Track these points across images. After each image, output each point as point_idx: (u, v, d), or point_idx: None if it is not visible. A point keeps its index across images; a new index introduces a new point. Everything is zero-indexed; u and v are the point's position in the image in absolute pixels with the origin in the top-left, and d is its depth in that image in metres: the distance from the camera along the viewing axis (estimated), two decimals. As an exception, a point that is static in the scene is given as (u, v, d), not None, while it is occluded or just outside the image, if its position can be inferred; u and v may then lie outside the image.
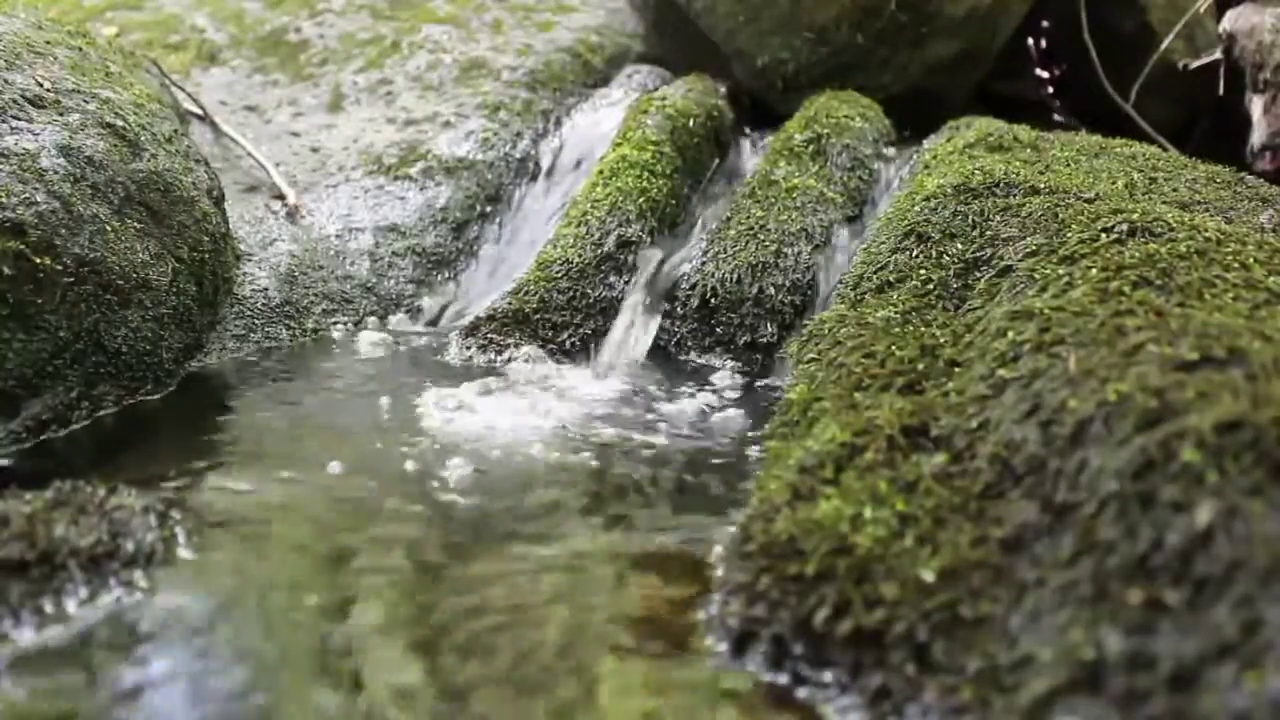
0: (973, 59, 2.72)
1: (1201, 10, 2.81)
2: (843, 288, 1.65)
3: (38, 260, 1.38)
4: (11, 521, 0.97)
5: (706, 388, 1.73)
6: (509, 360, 1.85)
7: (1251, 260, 1.16)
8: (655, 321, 1.94)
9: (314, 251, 2.11)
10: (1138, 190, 1.69)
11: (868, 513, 0.94)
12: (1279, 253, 1.19)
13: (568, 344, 1.92)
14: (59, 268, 1.41)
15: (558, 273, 1.99)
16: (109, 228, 1.53)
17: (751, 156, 2.49)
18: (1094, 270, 1.17)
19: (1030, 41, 2.99)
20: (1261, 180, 1.88)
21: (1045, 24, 2.98)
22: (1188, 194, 1.70)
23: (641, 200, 2.13)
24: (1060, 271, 1.21)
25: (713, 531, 1.14)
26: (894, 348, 1.26)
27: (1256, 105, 2.36)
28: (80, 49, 1.85)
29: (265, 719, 0.81)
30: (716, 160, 2.47)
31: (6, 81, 1.58)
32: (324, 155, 2.44)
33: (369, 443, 1.40)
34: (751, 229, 2.00)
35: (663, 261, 2.05)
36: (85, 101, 1.66)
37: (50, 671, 0.85)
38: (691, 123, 2.36)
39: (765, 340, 1.88)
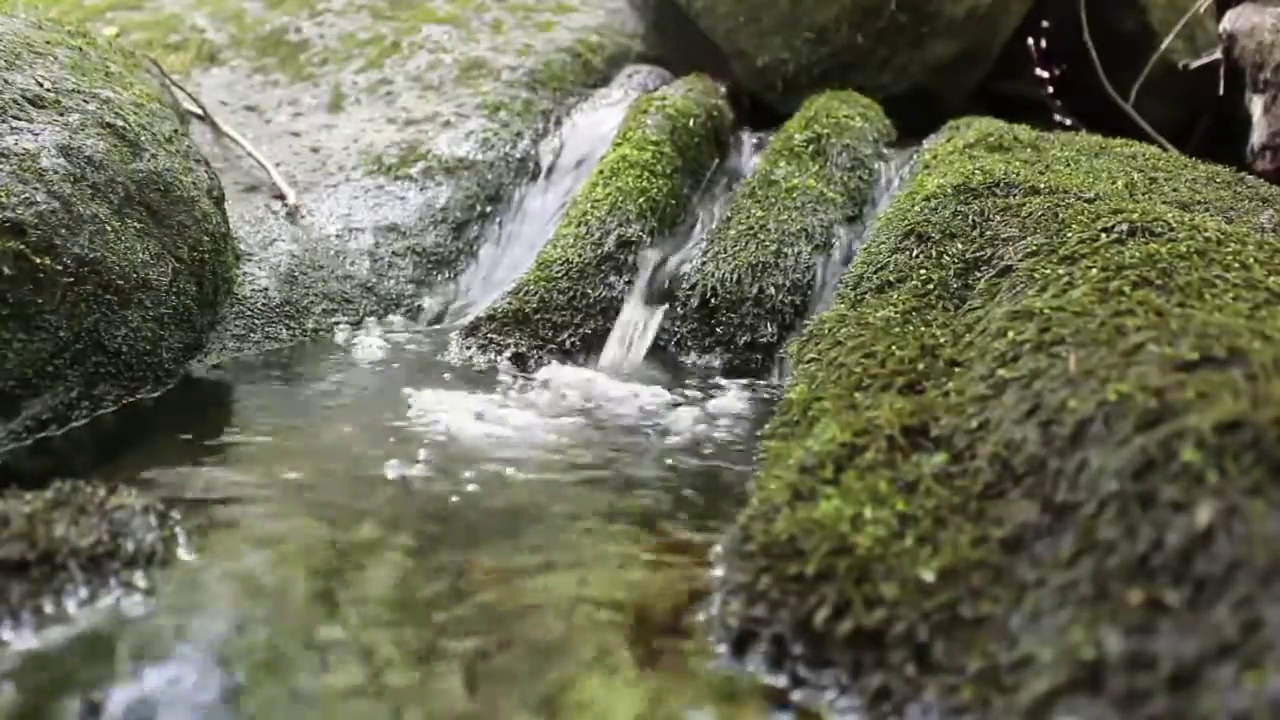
0: (973, 59, 2.72)
1: (1201, 10, 2.81)
2: (843, 287, 1.65)
3: (38, 260, 1.38)
4: (11, 521, 0.97)
5: (706, 387, 1.73)
6: (509, 360, 1.85)
7: (1251, 260, 1.16)
8: (655, 321, 1.94)
9: (314, 251, 2.11)
10: (1138, 190, 1.69)
11: (868, 513, 0.94)
12: (1279, 253, 1.19)
13: (568, 344, 1.92)
14: (59, 268, 1.41)
15: (558, 272, 1.99)
16: (109, 228, 1.53)
17: (751, 156, 2.49)
18: (1094, 270, 1.17)
19: (1030, 41, 2.99)
20: (1261, 180, 1.88)
21: (1045, 24, 2.98)
22: (1188, 194, 1.70)
23: (641, 200, 2.13)
24: (1060, 271, 1.21)
25: (713, 531, 1.14)
26: (894, 348, 1.26)
27: (1256, 105, 2.36)
28: (80, 49, 1.85)
29: (265, 716, 0.81)
30: (716, 160, 2.47)
31: (7, 81, 1.58)
32: (324, 155, 2.44)
33: (369, 442, 1.40)
34: (751, 229, 2.00)
35: (663, 261, 2.05)
36: (85, 101, 1.66)
37: (50, 672, 0.84)
38: (691, 123, 2.37)
39: (765, 340, 1.88)
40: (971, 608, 0.83)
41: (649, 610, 0.99)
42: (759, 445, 1.30)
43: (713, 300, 1.91)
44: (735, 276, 1.92)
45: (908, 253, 1.56)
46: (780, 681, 0.86)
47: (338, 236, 2.18)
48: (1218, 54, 2.58)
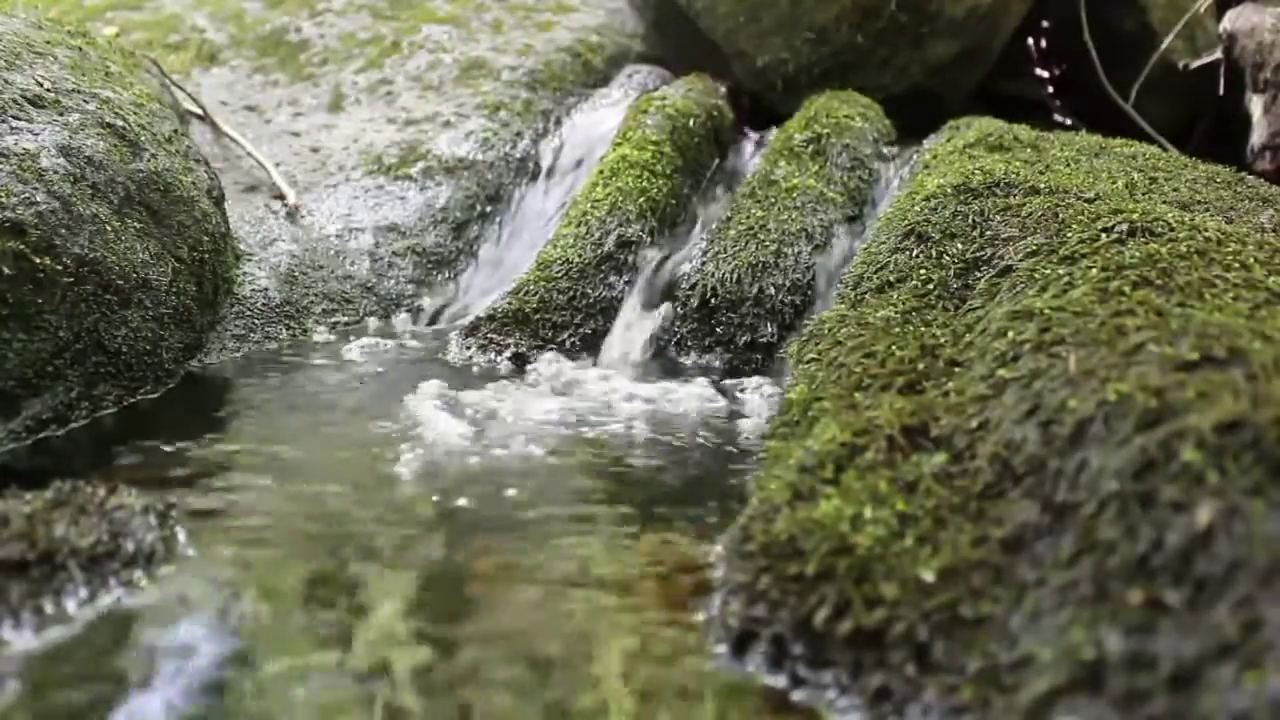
0: (973, 59, 2.72)
1: (1202, 10, 2.81)
2: (843, 287, 1.65)
3: (38, 260, 1.38)
4: (11, 521, 0.97)
5: (706, 387, 1.73)
6: (509, 360, 1.85)
7: (1252, 260, 1.16)
8: (655, 321, 1.94)
9: (314, 251, 2.11)
10: (1138, 190, 1.69)
11: (868, 512, 0.94)
12: (1279, 252, 1.19)
13: (568, 344, 1.92)
14: (59, 268, 1.41)
15: (558, 272, 1.99)
16: (109, 228, 1.53)
17: (751, 156, 2.49)
18: (1094, 270, 1.17)
19: (1030, 41, 2.99)
20: (1262, 180, 1.88)
21: (1045, 24, 2.98)
22: (1188, 194, 1.70)
23: (641, 200, 2.13)
24: (1060, 271, 1.21)
25: (713, 531, 1.14)
26: (894, 348, 1.26)
27: (1256, 105, 2.36)
28: (80, 49, 1.85)
29: (266, 719, 0.81)
30: (716, 160, 2.47)
31: (6, 81, 1.58)
32: (324, 155, 2.44)
33: (369, 441, 1.40)
34: (751, 229, 2.00)
35: (663, 261, 2.05)
36: (85, 101, 1.66)
37: (50, 672, 0.84)
38: (691, 123, 2.37)
39: (765, 340, 1.88)
40: (972, 607, 0.83)
41: (649, 610, 0.99)
42: (759, 445, 1.30)
43: (713, 300, 1.91)
44: (735, 276, 1.92)
45: (908, 253, 1.56)
46: (780, 682, 0.86)
47: (338, 236, 2.18)
48: (1218, 54, 2.58)
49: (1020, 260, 1.33)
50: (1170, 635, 0.70)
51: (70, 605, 0.92)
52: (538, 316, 1.93)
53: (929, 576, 0.86)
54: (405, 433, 1.43)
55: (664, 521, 1.22)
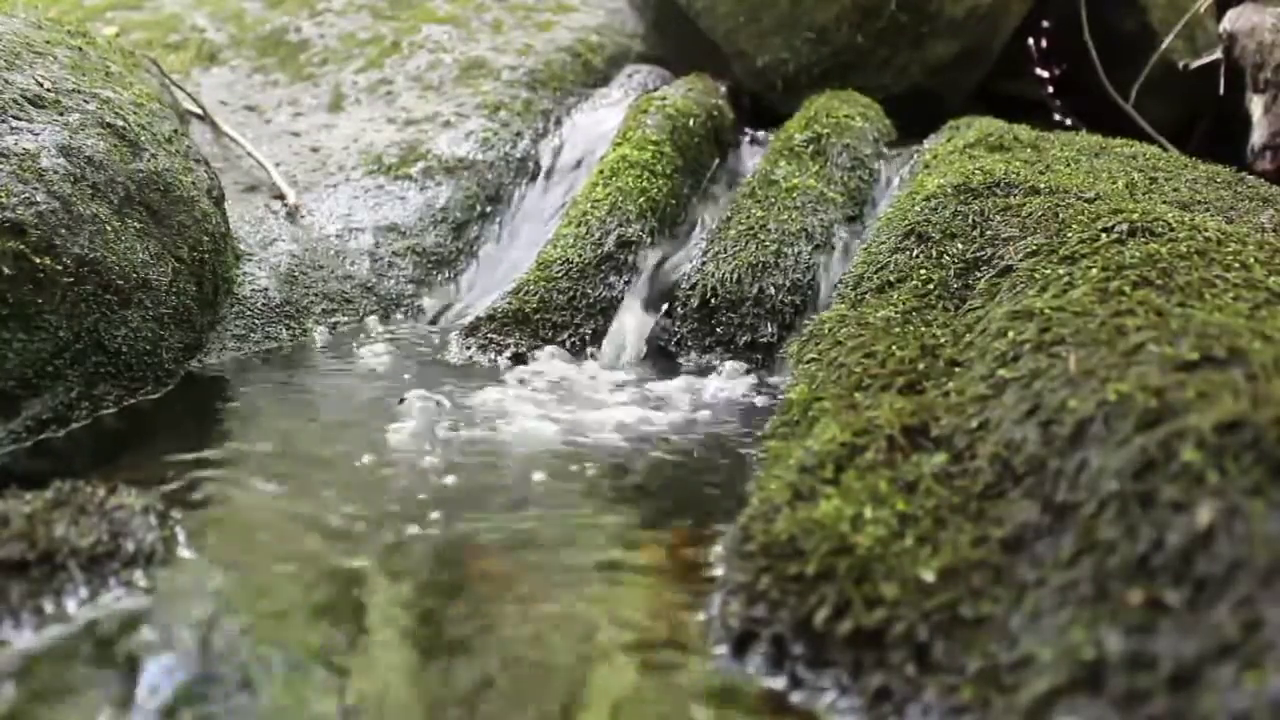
0: (973, 59, 2.72)
1: (1202, 10, 2.81)
2: (843, 287, 1.65)
3: (38, 260, 1.37)
4: (11, 521, 0.97)
5: (706, 388, 1.73)
6: (509, 360, 1.85)
7: (1252, 260, 1.16)
8: (655, 321, 1.94)
9: (314, 251, 2.11)
10: (1138, 190, 1.69)
11: (868, 513, 0.94)
12: (1279, 252, 1.19)
13: (568, 344, 1.92)
14: (59, 268, 1.41)
15: (558, 272, 1.99)
16: (109, 228, 1.53)
17: (751, 156, 2.49)
18: (1094, 270, 1.17)
19: (1030, 41, 2.99)
20: (1262, 180, 1.88)
21: (1045, 24, 2.98)
22: (1188, 194, 1.70)
23: (642, 200, 2.13)
24: (1060, 271, 1.21)
25: (713, 531, 1.14)
26: (894, 348, 1.26)
27: (1257, 105, 2.36)
28: (80, 49, 1.85)
29: (265, 719, 0.81)
30: (716, 160, 2.47)
31: (6, 81, 1.58)
32: (324, 155, 2.44)
33: (369, 442, 1.40)
34: (751, 229, 2.00)
35: (663, 261, 2.05)
36: (85, 101, 1.66)
37: (50, 672, 0.84)
38: (691, 122, 2.37)
39: (765, 340, 1.88)
40: (972, 608, 0.83)
41: (648, 610, 0.99)
42: (759, 445, 1.30)
43: (713, 300, 1.91)
44: (735, 276, 1.92)
45: (908, 253, 1.56)
46: (780, 682, 0.86)
47: (338, 236, 2.18)
48: (1218, 54, 2.58)
49: (1020, 260, 1.33)
50: (1170, 635, 0.70)
51: (70, 605, 0.92)
52: (538, 316, 1.93)
53: (929, 576, 0.86)
54: (405, 433, 1.43)
55: (663, 521, 1.22)
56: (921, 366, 1.20)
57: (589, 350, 1.92)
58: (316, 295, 2.02)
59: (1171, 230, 1.25)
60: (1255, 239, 1.24)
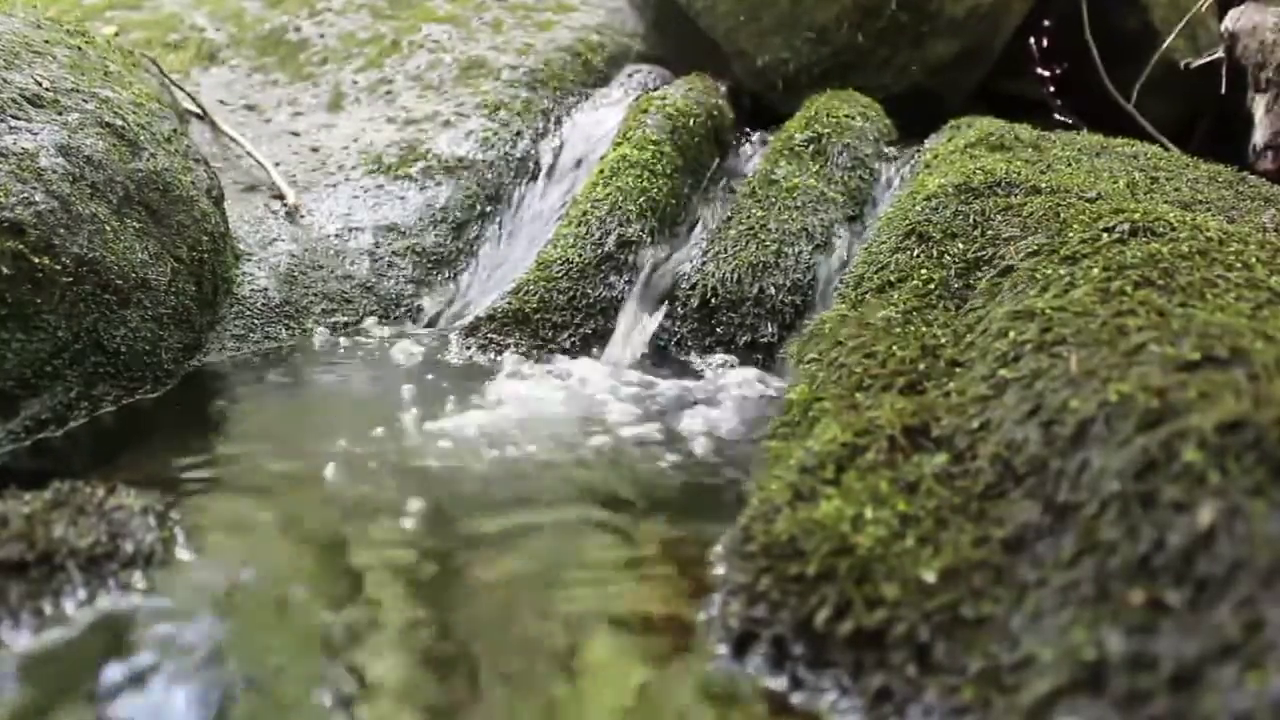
0: (974, 58, 2.71)
1: (1203, 9, 2.81)
2: (843, 287, 1.64)
3: (37, 260, 1.37)
4: (11, 522, 0.97)
5: (706, 387, 1.73)
6: (509, 360, 1.85)
7: (1253, 260, 1.15)
8: (655, 321, 1.94)
9: (313, 251, 2.10)
10: (1139, 190, 1.69)
11: (869, 513, 0.94)
12: (1281, 252, 1.19)
13: (568, 344, 1.91)
14: (58, 267, 1.40)
15: (558, 272, 1.99)
16: (108, 227, 1.52)
17: (752, 156, 2.48)
18: (1095, 270, 1.16)
19: (1031, 41, 2.99)
20: (1263, 180, 1.88)
21: (1046, 23, 2.97)
22: (1189, 193, 1.70)
23: (642, 200, 2.13)
24: (1062, 271, 1.21)
25: (713, 531, 1.14)
26: (895, 348, 1.26)
27: (1258, 104, 2.35)
28: (79, 48, 1.85)
29: (265, 719, 0.81)
30: (717, 160, 2.46)
31: (5, 81, 1.57)
32: (324, 155, 2.44)
33: (368, 441, 1.40)
34: (752, 228, 1.99)
35: (663, 261, 2.05)
36: (84, 101, 1.66)
37: (49, 673, 0.84)
38: (692, 122, 2.36)
39: (766, 340, 1.88)
40: (973, 608, 0.83)
41: (649, 610, 0.99)
42: (759, 445, 1.30)
43: (713, 300, 1.91)
44: (735, 276, 1.92)
45: (909, 252, 1.56)
46: (781, 683, 0.86)
47: (337, 236, 2.18)
48: (1219, 53, 2.58)
49: (1021, 260, 1.33)
50: (1172, 636, 0.69)
51: (69, 606, 0.92)
52: (538, 316, 1.93)
53: (930, 577, 0.86)
54: (404, 432, 1.43)
55: (664, 521, 1.22)
56: (922, 367, 1.20)
57: (589, 350, 1.92)
58: (316, 295, 2.02)
59: (1173, 230, 1.24)
60: (1257, 239, 1.23)
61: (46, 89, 1.63)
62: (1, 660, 0.85)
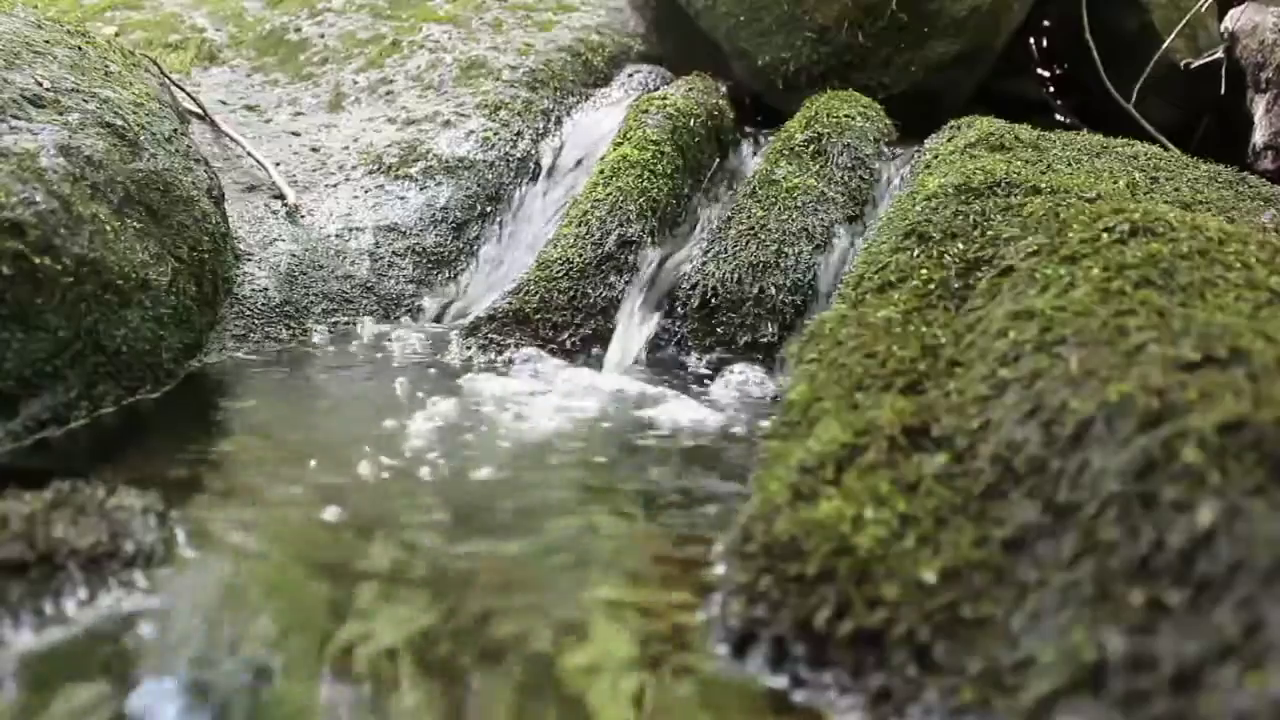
0: (974, 58, 2.71)
1: (1203, 9, 2.81)
2: (843, 287, 1.64)
3: (37, 260, 1.37)
4: (11, 522, 0.97)
5: (706, 387, 1.73)
6: (509, 360, 1.85)
7: (1254, 260, 1.15)
8: (656, 321, 1.94)
9: (314, 251, 2.10)
10: (1139, 190, 1.69)
11: (869, 513, 0.94)
12: (1281, 252, 1.19)
13: (568, 344, 1.92)
14: (59, 267, 1.40)
15: (558, 272, 1.99)
16: (109, 228, 1.52)
17: (752, 156, 2.48)
18: (1095, 270, 1.16)
19: (1032, 41, 2.99)
20: (1263, 180, 1.88)
21: (1047, 23, 2.97)
22: (1189, 193, 1.70)
23: (642, 200, 2.13)
24: (1062, 271, 1.21)
25: (713, 531, 1.14)
26: (895, 348, 1.26)
27: (1258, 104, 2.35)
28: (79, 48, 1.85)
29: (266, 717, 0.81)
30: (717, 160, 2.47)
31: (6, 81, 1.57)
32: (324, 155, 2.44)
33: (369, 441, 1.40)
34: (752, 228, 2.00)
35: (663, 261, 2.05)
36: (85, 101, 1.66)
37: (49, 673, 0.84)
38: (692, 122, 2.36)
39: (766, 340, 1.88)
40: (973, 608, 0.83)
41: (649, 610, 0.99)
42: (760, 445, 1.30)
43: (713, 300, 1.91)
44: (736, 276, 1.92)
45: (909, 252, 1.56)
46: (781, 682, 0.86)
47: (338, 236, 2.18)
48: (1219, 53, 2.58)
49: (1021, 260, 1.33)
50: (1172, 636, 0.69)
51: (69, 606, 0.92)
52: (538, 316, 1.93)
53: (930, 577, 0.86)
54: (404, 433, 1.43)
55: (664, 521, 1.22)
56: (922, 367, 1.20)
57: (589, 350, 1.92)
58: (316, 295, 2.02)
59: (1173, 230, 1.24)
60: (1257, 238, 1.23)
61: (47, 89, 1.63)
62: (1, 660, 0.85)
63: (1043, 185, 1.60)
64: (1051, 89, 3.04)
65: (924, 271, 1.49)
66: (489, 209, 2.36)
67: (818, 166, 2.18)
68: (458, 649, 0.91)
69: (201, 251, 1.75)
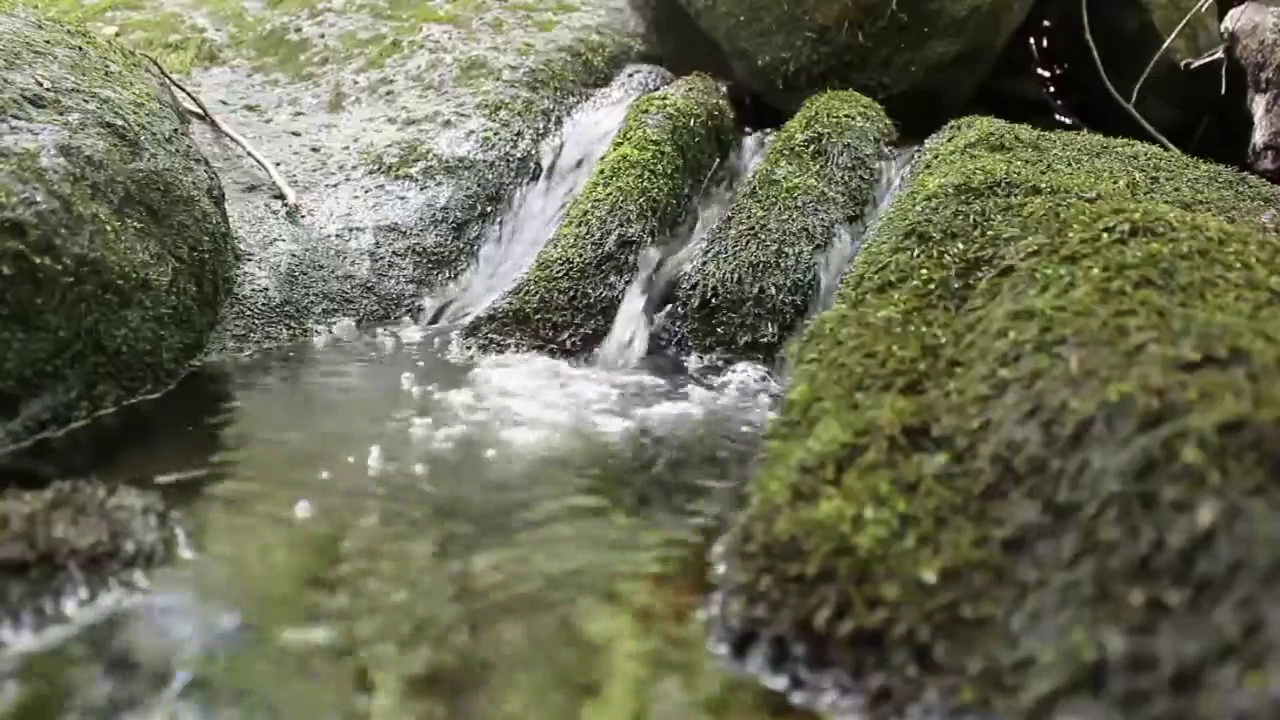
0: (974, 58, 2.71)
1: (1203, 9, 2.81)
2: (844, 287, 1.64)
3: (38, 260, 1.37)
4: (11, 522, 0.97)
5: (707, 387, 1.73)
6: (509, 360, 1.85)
7: (1254, 260, 1.15)
8: (656, 321, 1.94)
9: (314, 251, 2.10)
10: (1139, 190, 1.69)
11: (869, 513, 0.94)
12: (1281, 252, 1.19)
13: (568, 343, 1.92)
14: (59, 268, 1.40)
15: (558, 272, 1.99)
16: (109, 228, 1.52)
17: (752, 156, 2.48)
18: (1095, 270, 1.16)
19: (1031, 41, 2.99)
20: (1263, 180, 1.88)
21: (1047, 23, 2.97)
22: (1189, 193, 1.70)
23: (642, 200, 2.13)
24: (1062, 271, 1.21)
25: (713, 531, 1.14)
26: (895, 348, 1.26)
27: (1258, 104, 2.35)
28: (80, 48, 1.85)
29: (266, 719, 0.81)
30: (717, 160, 2.46)
31: (6, 81, 1.58)
32: (324, 155, 2.44)
33: (369, 442, 1.40)
34: (752, 228, 1.99)
35: (663, 261, 2.05)
36: (85, 101, 1.66)
37: (49, 673, 0.84)
38: (692, 122, 2.36)
39: (766, 340, 1.88)
40: (973, 608, 0.83)
41: (649, 610, 0.99)
42: (760, 445, 1.30)
43: (713, 300, 1.91)
44: (736, 276, 1.92)
45: (909, 252, 1.56)
46: (781, 682, 0.86)
47: (338, 236, 2.18)
48: (1219, 53, 2.58)
49: (1021, 260, 1.33)
50: (1172, 636, 0.69)
51: (70, 606, 0.92)
52: (538, 316, 1.93)
53: (930, 577, 0.86)
54: (405, 433, 1.43)
55: (664, 521, 1.22)
56: (922, 367, 1.20)
57: (589, 350, 1.92)
58: (317, 295, 2.02)
59: (1173, 230, 1.24)
60: (1257, 238, 1.23)
61: (48, 89, 1.63)
62: (2, 660, 0.85)
63: (1043, 185, 1.60)
64: (1051, 89, 3.04)
65: (924, 271, 1.49)
66: (489, 209, 2.36)
67: (818, 166, 2.18)
68: (457, 648, 0.91)
69: (202, 251, 1.75)
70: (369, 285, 2.11)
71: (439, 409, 1.54)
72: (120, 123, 1.68)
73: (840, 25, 2.60)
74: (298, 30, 2.93)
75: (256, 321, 1.90)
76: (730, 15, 2.71)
